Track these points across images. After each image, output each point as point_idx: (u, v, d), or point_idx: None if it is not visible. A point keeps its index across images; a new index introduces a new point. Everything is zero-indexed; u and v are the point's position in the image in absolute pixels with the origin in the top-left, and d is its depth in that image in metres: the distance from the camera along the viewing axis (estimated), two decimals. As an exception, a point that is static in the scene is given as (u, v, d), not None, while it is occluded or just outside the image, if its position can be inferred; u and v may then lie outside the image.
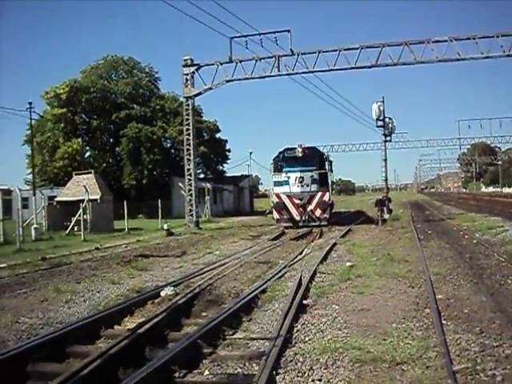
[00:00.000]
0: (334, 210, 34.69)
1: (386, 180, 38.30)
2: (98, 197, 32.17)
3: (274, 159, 30.49)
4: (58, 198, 35.30)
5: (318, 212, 27.95)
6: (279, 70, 29.45)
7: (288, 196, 28.33)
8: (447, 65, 29.47)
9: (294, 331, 7.42)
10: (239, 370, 6.14)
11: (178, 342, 6.80)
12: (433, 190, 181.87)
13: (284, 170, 29.34)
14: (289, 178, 28.62)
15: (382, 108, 34.64)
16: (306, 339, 7.02)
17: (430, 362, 5.87)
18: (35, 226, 27.26)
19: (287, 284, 10.99)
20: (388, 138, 37.57)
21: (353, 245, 18.47)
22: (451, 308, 8.45)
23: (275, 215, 28.92)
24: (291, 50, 28.48)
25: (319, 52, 28.54)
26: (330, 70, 28.93)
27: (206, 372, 6.11)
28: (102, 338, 7.61)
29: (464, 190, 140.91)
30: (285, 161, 29.76)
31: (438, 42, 27.26)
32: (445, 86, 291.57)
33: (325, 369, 5.86)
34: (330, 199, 28.46)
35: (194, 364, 6.31)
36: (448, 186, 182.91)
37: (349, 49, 28.31)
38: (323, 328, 7.54)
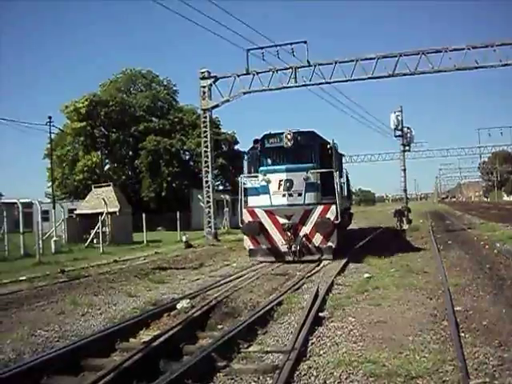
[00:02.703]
0: (351, 225, 30.62)
1: (406, 190, 38.29)
2: (116, 209, 32.39)
3: (247, 153, 20.36)
4: (77, 211, 35.63)
5: (317, 239, 17.29)
6: (296, 81, 29.43)
7: (268, 212, 17.68)
8: (466, 73, 29.20)
9: (309, 344, 7.35)
10: (253, 383, 6.08)
11: (193, 355, 6.78)
12: (453, 199, 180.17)
13: (261, 169, 18.39)
14: (268, 182, 17.64)
15: (400, 118, 34.68)
16: (321, 352, 6.95)
17: (446, 377, 5.76)
18: (55, 238, 27.50)
19: (304, 296, 10.92)
20: (407, 148, 37.54)
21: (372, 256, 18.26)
22: (470, 320, 8.32)
23: (247, 244, 18.24)
24: (308, 61, 28.46)
25: (336, 63, 28.48)
26: (346, 81, 28.86)
27: (220, 386, 6.09)
28: (116, 351, 7.60)
29: (485, 199, 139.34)
30: (264, 155, 19.19)
31: (455, 50, 27.06)
32: (464, 95, 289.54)
33: (338, 383, 5.80)
34: (337, 217, 17.25)
35: (208, 377, 6.27)
36: (469, 195, 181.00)
37: (365, 59, 28.23)
38: (338, 341, 7.46)
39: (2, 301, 12.47)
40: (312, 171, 17.47)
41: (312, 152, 18.46)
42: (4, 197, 50.41)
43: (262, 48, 27.83)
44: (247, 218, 17.91)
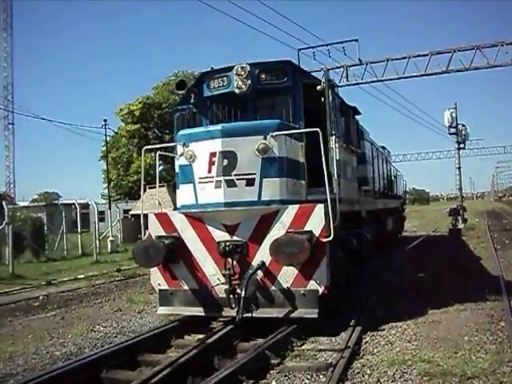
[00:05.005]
0: (404, 231, 29.58)
1: (461, 188, 37.44)
2: (170, 209, 32.83)
3: (175, 110, 11.27)
4: (132, 211, 36.34)
5: (285, 274, 8.12)
6: (348, 80, 29.16)
7: (192, 219, 8.77)
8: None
9: (363, 343, 7.35)
10: (306, 381, 6.11)
11: (247, 352, 6.86)
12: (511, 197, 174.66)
13: (181, 134, 9.12)
14: (192, 158, 8.60)
15: (454, 115, 33.92)
16: (375, 351, 6.93)
17: (503, 378, 5.66)
18: (111, 238, 28.19)
19: (362, 290, 10.87)
20: (461, 146, 36.70)
21: (427, 255, 17.99)
22: (528, 321, 8.10)
23: (156, 280, 8.99)
24: (359, 59, 28.15)
25: (388, 60, 28.10)
26: (399, 78, 28.43)
27: (273, 383, 6.13)
28: (172, 348, 7.77)
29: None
30: (203, 110, 10.61)
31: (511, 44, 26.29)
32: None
33: (392, 382, 5.77)
34: (328, 228, 7.96)
35: (262, 374, 6.34)
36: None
37: (418, 55, 27.73)
38: (392, 340, 7.42)
39: (63, 298, 13.03)
40: (275, 134, 8.34)
41: (288, 100, 9.93)
42: (62, 198, 52.12)
43: (312, 47, 27.71)
44: (156, 230, 9.15)
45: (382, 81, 29.02)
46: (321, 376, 6.16)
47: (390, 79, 28.78)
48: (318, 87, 9.20)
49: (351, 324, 8.15)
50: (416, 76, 28.24)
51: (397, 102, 36.34)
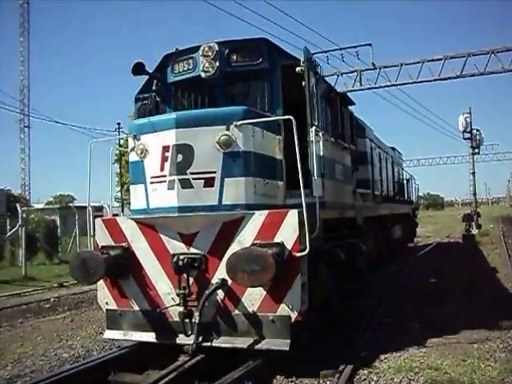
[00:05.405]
0: (417, 238, 29.06)
1: (475, 194, 37.26)
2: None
3: (136, 99, 9.32)
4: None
5: (250, 297, 6.64)
6: (361, 85, 29.15)
7: (143, 225, 7.31)
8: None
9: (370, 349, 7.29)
10: (312, 387, 6.10)
11: (254, 356, 6.82)
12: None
13: (133, 124, 7.85)
14: (144, 153, 7.24)
15: (469, 120, 33.76)
16: (382, 357, 6.87)
17: (512, 387, 5.61)
18: (123, 241, 28.31)
19: (367, 301, 10.82)
20: (476, 151, 36.54)
21: (438, 261, 17.89)
22: (540, 329, 8.03)
23: (104, 298, 7.55)
24: (373, 63, 28.13)
25: (401, 65, 28.05)
26: (413, 83, 28.37)
27: (280, 388, 6.11)
28: (180, 352, 7.75)
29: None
30: (167, 99, 9.09)
31: (527, 48, 26.11)
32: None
33: (398, 389, 5.75)
34: (303, 239, 6.39)
35: (269, 379, 6.32)
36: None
37: (432, 60, 27.67)
38: (400, 347, 7.36)
39: (74, 300, 13.17)
40: (240, 123, 6.87)
41: (264, 85, 8.48)
42: (77, 201, 52.47)
43: (326, 52, 27.71)
44: (104, 239, 7.92)
45: (395, 85, 29.01)
46: (327, 382, 6.15)
47: (404, 84, 28.75)
48: (298, 68, 7.73)
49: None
50: (430, 80, 28.20)
51: (411, 107, 36.46)
